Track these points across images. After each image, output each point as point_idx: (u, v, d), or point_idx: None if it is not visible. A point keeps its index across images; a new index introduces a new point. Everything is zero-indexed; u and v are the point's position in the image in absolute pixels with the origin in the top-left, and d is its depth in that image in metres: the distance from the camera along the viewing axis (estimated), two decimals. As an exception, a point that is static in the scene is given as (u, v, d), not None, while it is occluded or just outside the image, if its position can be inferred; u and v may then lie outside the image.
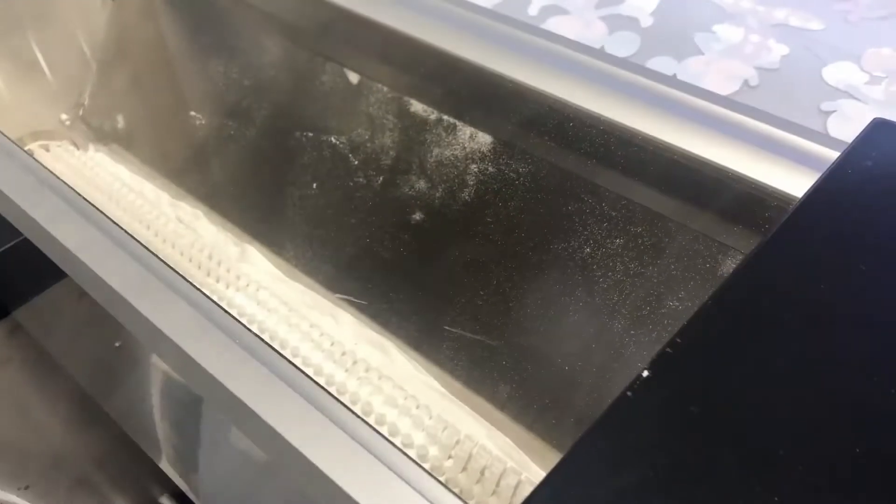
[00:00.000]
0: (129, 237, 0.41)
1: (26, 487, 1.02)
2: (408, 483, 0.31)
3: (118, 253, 0.40)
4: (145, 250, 0.40)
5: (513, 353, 0.54)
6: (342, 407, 0.34)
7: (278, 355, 0.35)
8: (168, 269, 0.39)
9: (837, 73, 0.89)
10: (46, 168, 0.46)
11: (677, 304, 0.46)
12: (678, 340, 0.31)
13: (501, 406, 0.54)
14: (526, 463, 0.53)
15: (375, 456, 0.32)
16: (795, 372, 0.30)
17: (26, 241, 0.81)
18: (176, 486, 1.28)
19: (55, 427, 1.01)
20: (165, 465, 0.71)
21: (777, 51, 0.94)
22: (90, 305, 0.86)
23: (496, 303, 0.55)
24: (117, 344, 0.91)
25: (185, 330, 0.36)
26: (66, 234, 0.41)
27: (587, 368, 0.50)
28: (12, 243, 0.82)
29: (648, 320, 0.47)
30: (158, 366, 0.78)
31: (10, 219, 0.44)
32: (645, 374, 0.30)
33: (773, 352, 0.31)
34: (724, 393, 0.29)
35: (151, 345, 0.37)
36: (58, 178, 0.45)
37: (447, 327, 0.55)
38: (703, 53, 0.96)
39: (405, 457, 0.32)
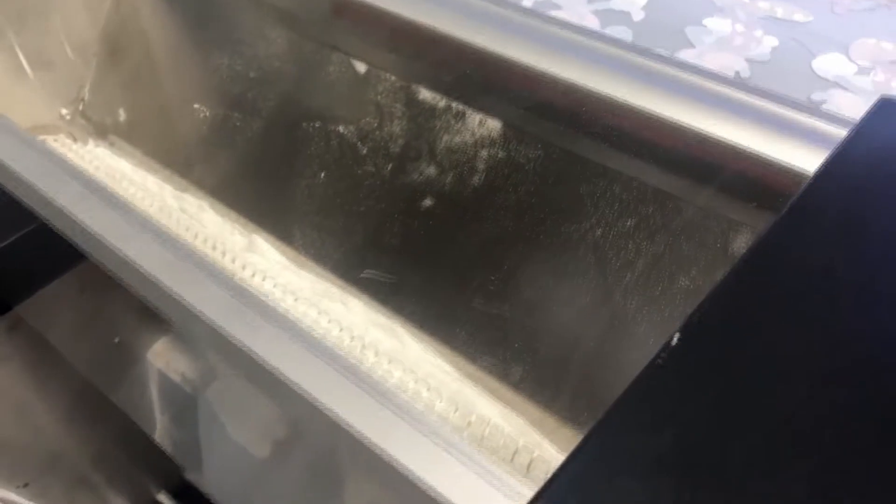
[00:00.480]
0: (152, 220, 0.41)
1: (25, 485, 1.02)
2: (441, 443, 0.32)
3: (143, 235, 0.40)
4: (169, 233, 0.41)
5: (524, 333, 0.55)
6: (372, 376, 0.35)
7: (307, 329, 0.36)
8: (194, 249, 0.39)
9: (827, 63, 0.91)
10: (65, 156, 0.46)
11: (688, 282, 0.47)
12: (705, 308, 0.32)
13: (514, 386, 0.55)
14: (539, 441, 0.54)
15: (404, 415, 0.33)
16: (817, 337, 0.31)
17: (27, 236, 0.80)
18: (173, 483, 1.28)
19: (54, 425, 1.01)
20: (171, 449, 0.71)
21: (767, 43, 0.96)
22: (93, 299, 0.86)
23: (506, 286, 0.56)
24: (116, 340, 0.91)
25: (217, 307, 0.36)
26: (91, 219, 0.41)
27: (600, 348, 0.51)
28: (14, 238, 0.81)
29: (661, 299, 0.49)
30: (165, 354, 0.79)
31: (32, 205, 0.45)
32: (674, 340, 0.31)
33: (797, 319, 0.32)
34: (750, 357, 0.30)
35: (182, 323, 0.38)
36: (76, 165, 0.45)
37: (461, 307, 0.56)
38: (694, 46, 0.98)
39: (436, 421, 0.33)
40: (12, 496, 1.01)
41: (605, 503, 0.26)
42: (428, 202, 0.59)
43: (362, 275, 0.58)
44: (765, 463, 0.27)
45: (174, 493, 1.22)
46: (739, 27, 1.00)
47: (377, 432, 0.32)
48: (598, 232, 0.51)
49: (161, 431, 0.70)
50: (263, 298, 0.37)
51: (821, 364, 0.30)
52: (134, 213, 0.42)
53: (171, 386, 0.74)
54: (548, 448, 0.54)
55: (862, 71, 0.90)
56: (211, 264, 0.39)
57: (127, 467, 1.15)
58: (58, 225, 0.43)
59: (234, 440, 0.59)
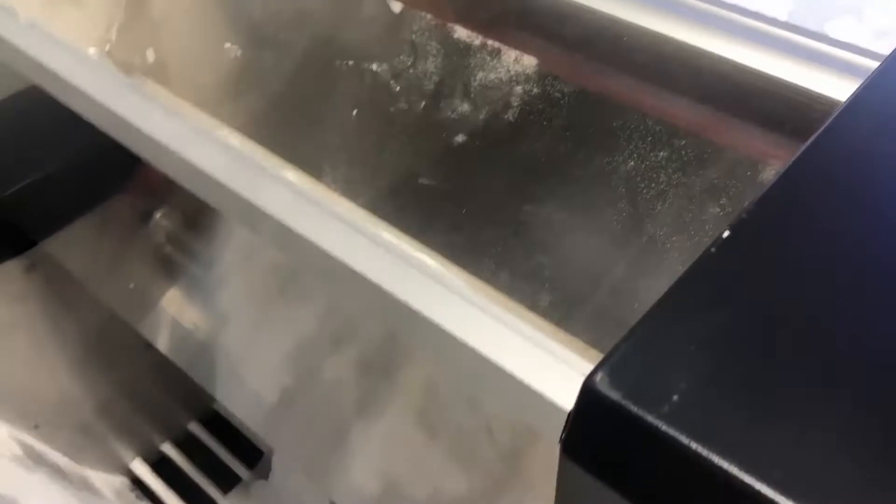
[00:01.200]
0: (213, 129, 0.43)
1: (36, 427, 1.03)
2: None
3: (207, 142, 0.42)
4: (233, 139, 0.42)
5: (552, 262, 0.57)
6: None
7: (371, 227, 0.38)
8: (258, 154, 0.41)
9: (840, 27, 0.93)
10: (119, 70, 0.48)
11: (718, 210, 0.50)
12: (752, 208, 0.34)
13: (542, 313, 0.57)
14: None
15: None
16: (853, 234, 0.34)
17: (51, 177, 0.81)
18: (178, 434, 1.29)
19: (66, 369, 1.02)
20: (199, 377, 0.72)
21: (783, 7, 0.97)
22: (117, 234, 0.87)
23: (535, 217, 0.58)
24: (131, 286, 0.92)
25: (287, 207, 0.38)
26: (155, 129, 0.43)
27: (629, 276, 0.53)
28: (36, 177, 0.82)
29: (690, 226, 0.51)
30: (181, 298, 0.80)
31: (92, 120, 0.46)
32: (725, 234, 0.33)
33: (834, 220, 0.34)
34: (793, 248, 0.33)
35: (250, 224, 0.40)
36: (132, 77, 0.47)
37: (490, 239, 0.58)
38: (709, 9, 0.99)
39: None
40: (25, 437, 1.02)
41: (664, 371, 0.28)
42: (460, 138, 0.61)
43: (420, 181, 0.59)
44: (809, 333, 0.29)
45: (179, 444, 1.24)
46: (754, -9, 1.01)
47: (445, 314, 0.34)
48: (631, 164, 0.53)
49: (188, 361, 0.72)
50: (327, 197, 0.39)
51: (856, 254, 0.33)
52: (197, 124, 0.43)
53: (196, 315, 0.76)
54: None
55: (874, 34, 0.92)
56: (272, 166, 0.41)
57: (133, 417, 1.17)
58: (119, 138, 0.44)
59: (269, 357, 0.60)
